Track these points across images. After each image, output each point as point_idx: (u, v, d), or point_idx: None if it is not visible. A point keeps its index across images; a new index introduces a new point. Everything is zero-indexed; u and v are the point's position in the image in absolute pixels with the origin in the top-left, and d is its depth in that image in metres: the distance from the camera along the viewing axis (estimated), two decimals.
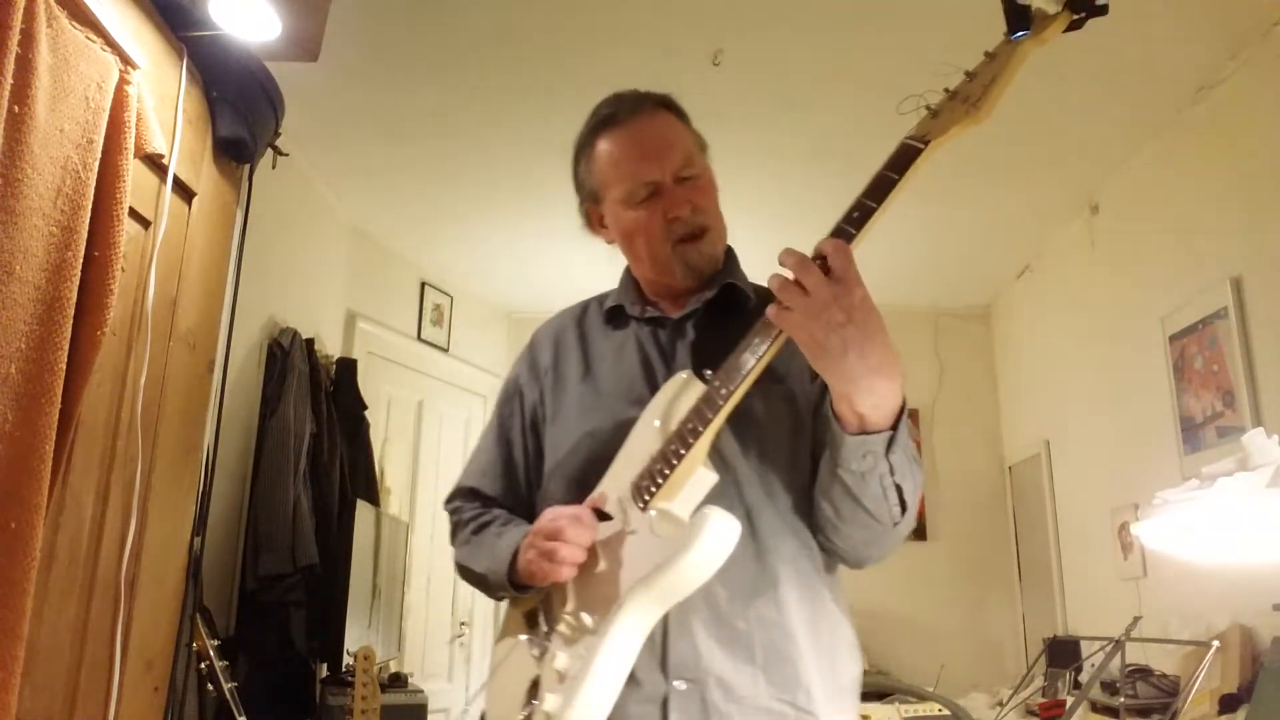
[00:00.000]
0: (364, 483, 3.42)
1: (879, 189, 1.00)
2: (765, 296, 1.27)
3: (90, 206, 1.39)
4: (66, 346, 1.33)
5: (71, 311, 1.34)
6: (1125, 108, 2.95)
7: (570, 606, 1.12)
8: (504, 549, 1.20)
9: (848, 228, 1.00)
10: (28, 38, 1.26)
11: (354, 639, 3.12)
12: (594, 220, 1.37)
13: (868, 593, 4.45)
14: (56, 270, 1.32)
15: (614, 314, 1.35)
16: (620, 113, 1.29)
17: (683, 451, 1.06)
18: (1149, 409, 3.09)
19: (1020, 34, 0.93)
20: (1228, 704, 2.25)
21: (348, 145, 3.34)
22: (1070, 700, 2.77)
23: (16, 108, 1.24)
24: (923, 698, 3.00)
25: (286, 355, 3.09)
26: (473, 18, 2.61)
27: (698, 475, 1.08)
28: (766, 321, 1.01)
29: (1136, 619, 2.30)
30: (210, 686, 2.03)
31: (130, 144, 1.50)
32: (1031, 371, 4.40)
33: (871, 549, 1.18)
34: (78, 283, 1.36)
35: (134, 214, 1.57)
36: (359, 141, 3.32)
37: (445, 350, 4.55)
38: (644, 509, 1.09)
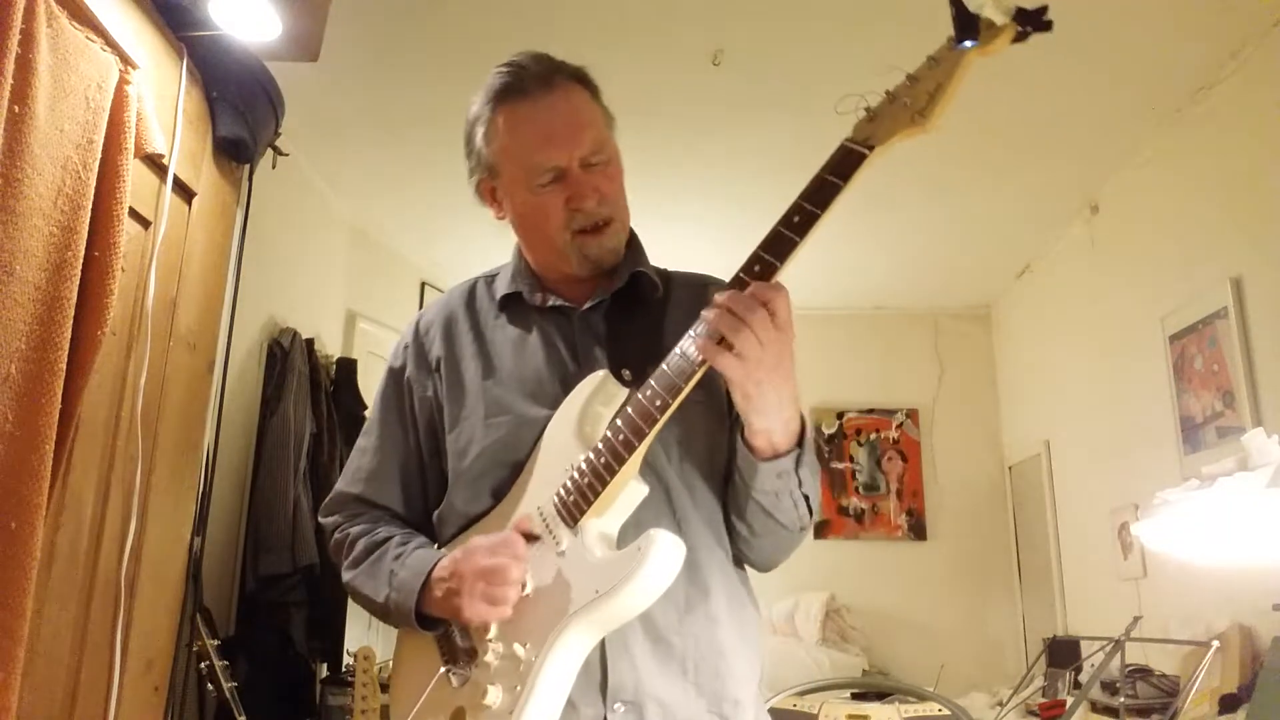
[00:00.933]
0: None
1: (821, 195, 0.95)
2: (669, 281, 1.27)
3: (90, 206, 1.40)
4: (66, 346, 1.33)
5: (71, 311, 1.34)
6: (1125, 108, 2.95)
7: (494, 634, 1.05)
8: (409, 579, 1.10)
9: (789, 234, 0.96)
10: (28, 38, 1.26)
11: (354, 639, 3.12)
12: (485, 194, 1.27)
13: (868, 593, 4.46)
14: (56, 270, 1.32)
15: (509, 301, 1.25)
16: (527, 83, 1.16)
17: (616, 466, 1.00)
18: (1149, 409, 3.08)
19: (967, 43, 0.90)
20: (1228, 704, 2.25)
21: (348, 145, 3.34)
22: (1070, 700, 2.77)
23: (16, 108, 1.24)
24: (923, 698, 3.00)
25: (286, 355, 3.09)
26: (472, 18, 2.61)
27: (630, 487, 1.04)
28: (702, 335, 0.97)
29: (1136, 619, 2.30)
30: (210, 686, 2.03)
31: (130, 144, 1.50)
32: (1031, 371, 4.40)
33: (780, 555, 1.18)
34: (78, 283, 1.36)
35: (134, 214, 1.57)
36: (359, 141, 3.32)
37: None
38: (573, 526, 1.04)
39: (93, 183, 1.41)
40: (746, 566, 1.21)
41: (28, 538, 1.23)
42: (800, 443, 1.06)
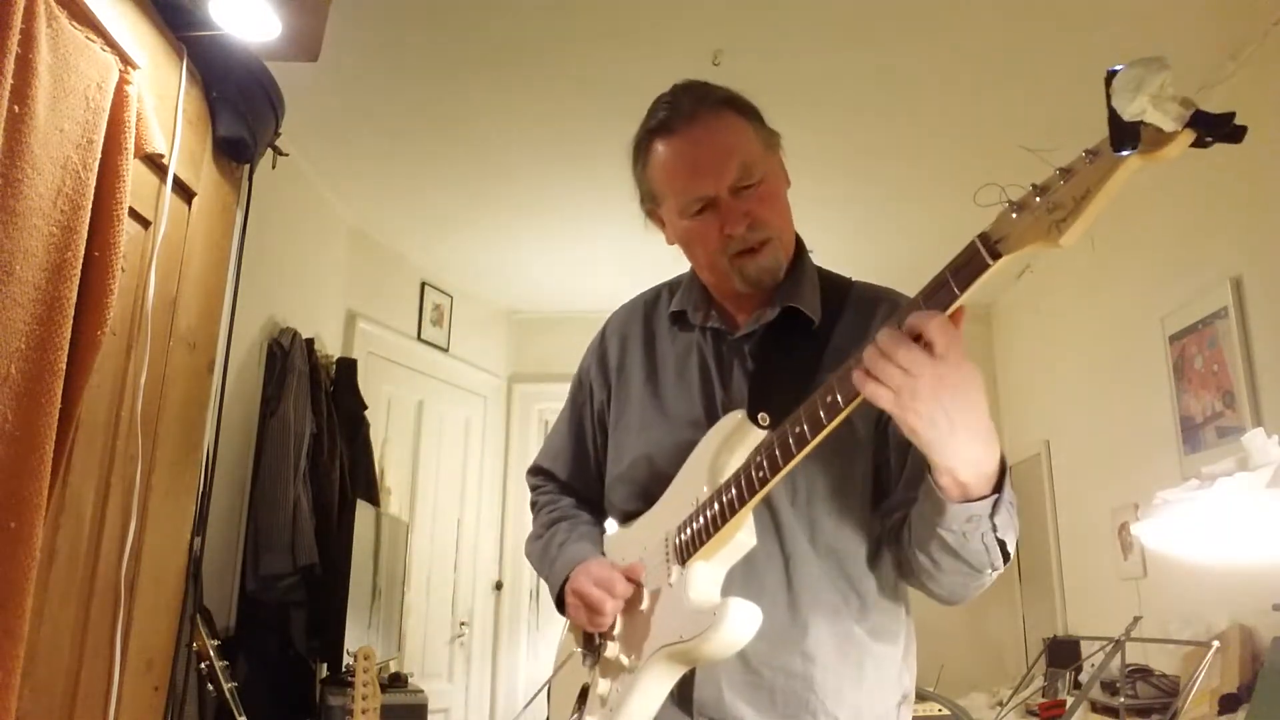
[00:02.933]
0: (364, 483, 3.42)
1: (938, 299, 0.89)
2: (845, 295, 1.27)
3: (90, 206, 1.39)
4: (66, 346, 1.33)
5: (71, 311, 1.34)
6: None
7: (618, 632, 1.21)
8: (560, 570, 1.27)
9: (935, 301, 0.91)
10: (28, 38, 1.26)
11: (354, 639, 3.12)
12: (653, 218, 1.33)
13: None
14: (56, 270, 1.32)
15: (678, 316, 1.33)
16: (676, 117, 1.22)
17: (727, 516, 1.07)
18: (1149, 409, 3.08)
19: (1126, 151, 0.78)
20: (1228, 704, 2.25)
21: (348, 145, 3.34)
22: (1070, 700, 2.77)
23: (16, 108, 1.24)
24: (923, 698, 3.00)
25: (286, 355, 3.09)
26: (472, 18, 2.61)
27: (737, 538, 1.10)
28: (841, 382, 0.94)
29: (1136, 619, 2.30)
30: (210, 686, 2.03)
31: (130, 144, 1.50)
32: (1031, 371, 4.40)
33: (965, 593, 1.13)
34: (78, 283, 1.36)
35: (134, 214, 1.57)
36: (359, 141, 3.32)
37: (445, 350, 4.55)
38: (683, 564, 1.13)
39: (93, 183, 1.40)
40: (899, 603, 1.22)
41: (28, 538, 1.23)
42: (999, 485, 1.00)
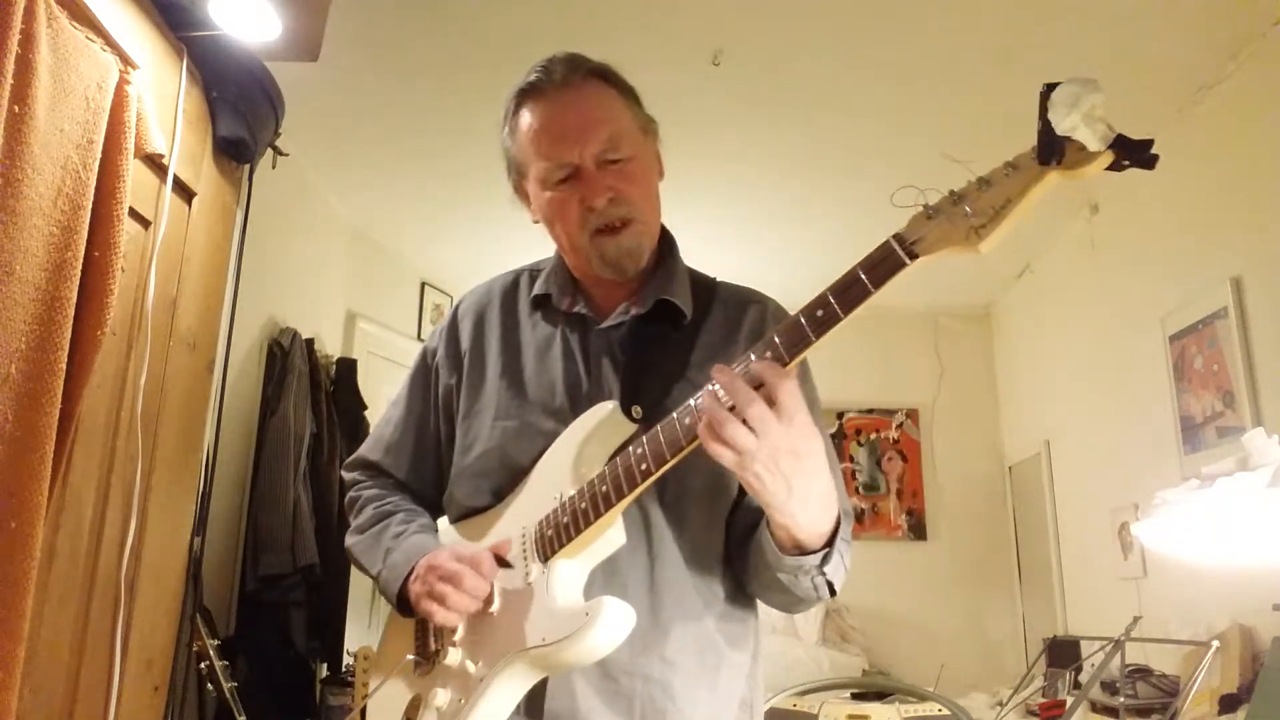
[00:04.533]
0: None
1: (849, 294, 0.88)
2: (712, 294, 1.23)
3: (90, 206, 1.39)
4: (66, 346, 1.33)
5: (71, 311, 1.34)
6: (1124, 107, 2.93)
7: (459, 637, 1.10)
8: (399, 563, 1.14)
9: (808, 329, 0.88)
10: (28, 38, 1.26)
11: (354, 639, 3.12)
12: (520, 194, 1.26)
13: (868, 593, 4.46)
14: (56, 270, 1.32)
15: (541, 301, 1.25)
16: (546, 81, 1.16)
17: (593, 516, 1.00)
18: (1149, 409, 3.08)
19: (1050, 162, 0.81)
20: (1228, 704, 2.25)
21: (348, 145, 3.34)
22: (1070, 700, 2.77)
23: (16, 108, 1.24)
24: (923, 698, 3.00)
25: (286, 355, 3.09)
26: (472, 18, 2.61)
27: (607, 535, 1.04)
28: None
29: (1136, 619, 2.30)
30: (210, 686, 2.03)
31: (130, 144, 1.50)
32: (1031, 371, 4.40)
33: (790, 611, 1.14)
34: (78, 283, 1.36)
35: (134, 214, 1.57)
36: (359, 141, 3.32)
37: None
38: (544, 562, 1.05)
39: (93, 183, 1.40)
40: (751, 609, 1.18)
41: (28, 538, 1.23)
42: (831, 541, 1.00)
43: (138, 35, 1.57)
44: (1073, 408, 3.84)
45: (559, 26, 2.64)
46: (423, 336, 4.41)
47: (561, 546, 1.03)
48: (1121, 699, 2.34)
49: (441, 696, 1.07)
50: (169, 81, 1.70)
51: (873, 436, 4.83)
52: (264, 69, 1.91)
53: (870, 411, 4.84)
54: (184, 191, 1.76)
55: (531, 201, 1.23)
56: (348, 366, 3.54)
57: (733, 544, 1.13)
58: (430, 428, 1.28)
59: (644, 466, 0.97)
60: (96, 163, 1.42)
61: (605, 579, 1.06)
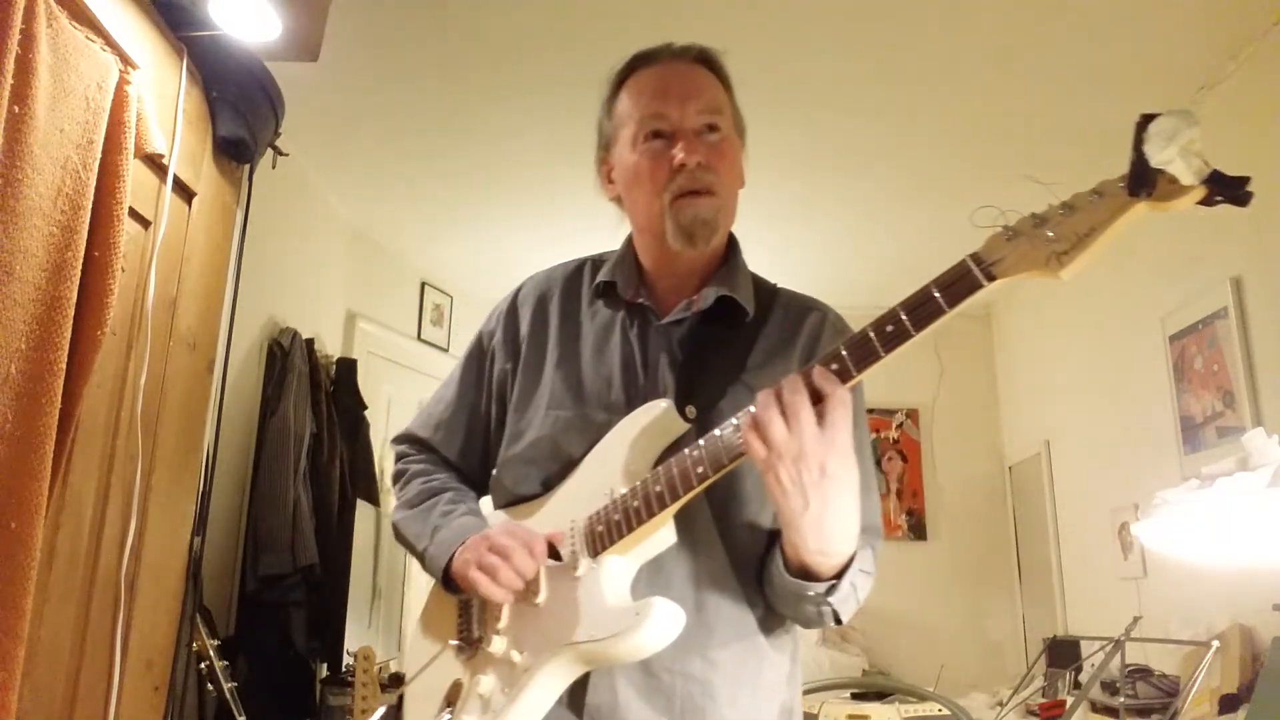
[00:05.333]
0: (364, 483, 3.42)
1: (922, 312, 0.87)
2: (774, 299, 1.22)
3: (90, 206, 1.40)
4: (66, 346, 1.33)
5: (71, 311, 1.34)
6: (1125, 107, 2.94)
7: (504, 625, 1.09)
8: (447, 540, 1.14)
9: (877, 344, 0.88)
10: (28, 38, 1.26)
11: (354, 639, 3.12)
12: (603, 175, 1.25)
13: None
14: (56, 270, 1.32)
15: (607, 289, 1.23)
16: (661, 53, 1.20)
17: (645, 516, 1.00)
18: (1149, 409, 3.08)
19: (1141, 194, 0.80)
20: (1228, 704, 2.25)
21: (348, 145, 3.34)
22: (1070, 700, 2.77)
23: (16, 108, 1.24)
24: (923, 698, 3.00)
25: (286, 355, 3.09)
26: (473, 18, 2.61)
27: (659, 535, 1.04)
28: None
29: (1136, 619, 2.30)
30: (210, 686, 2.03)
31: (130, 144, 1.50)
32: (1031, 371, 4.40)
33: (811, 627, 1.13)
34: (78, 283, 1.36)
35: (134, 214, 1.57)
36: (359, 141, 3.32)
37: (445, 350, 4.55)
38: (594, 557, 1.04)
39: (93, 183, 1.41)
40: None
41: (28, 538, 1.23)
42: (841, 574, 0.99)
43: (138, 35, 1.57)
44: (1073, 408, 3.84)
45: (559, 27, 2.64)
46: (423, 336, 4.41)
47: (613, 543, 1.02)
48: (1121, 699, 2.34)
49: (485, 684, 1.07)
50: (169, 81, 1.70)
51: (873, 436, 4.83)
52: (264, 69, 1.91)
53: (870, 411, 4.81)
54: (184, 191, 1.76)
55: (615, 169, 1.22)
56: (348, 366, 3.55)
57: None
58: (481, 410, 1.27)
59: (700, 470, 0.96)
60: (96, 163, 1.42)
61: (650, 575, 1.06)
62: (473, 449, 1.28)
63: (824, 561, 0.97)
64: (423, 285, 4.44)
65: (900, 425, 4.83)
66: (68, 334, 1.33)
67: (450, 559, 1.12)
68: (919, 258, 4.33)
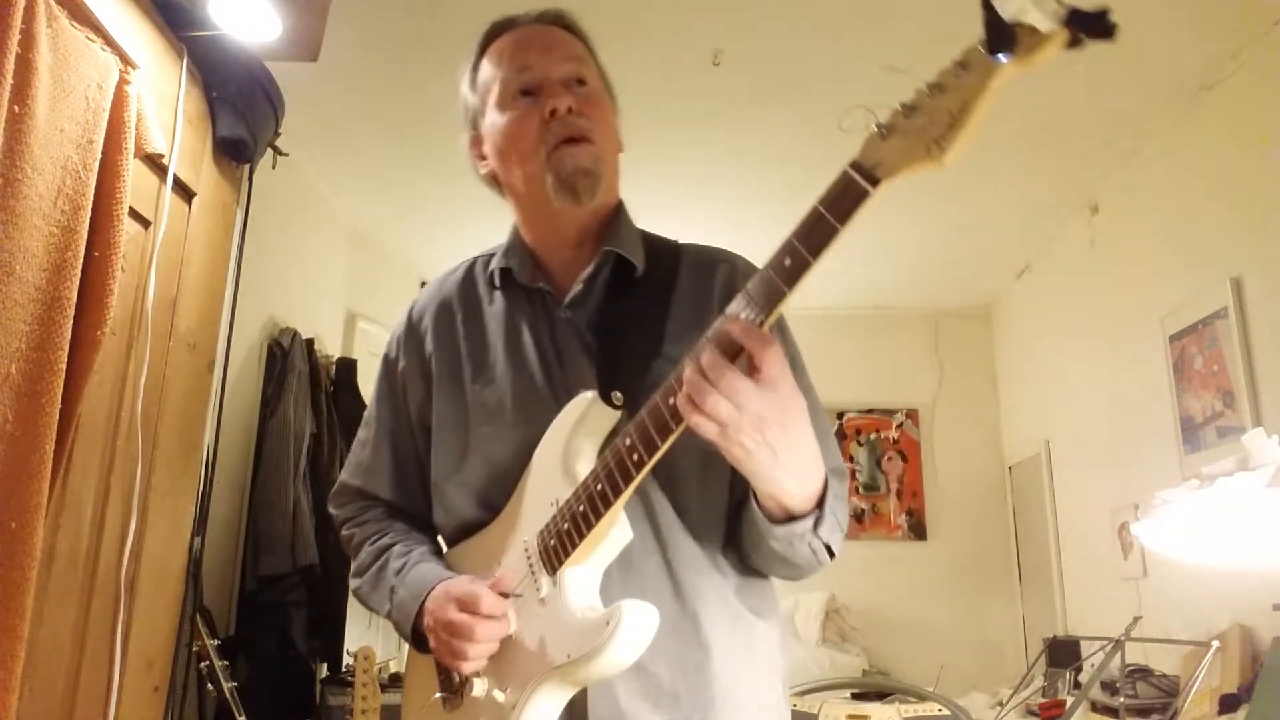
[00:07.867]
0: None
1: (816, 236, 0.82)
2: (678, 258, 1.16)
3: (90, 206, 1.39)
4: (66, 346, 1.33)
5: (71, 311, 1.34)
6: (1125, 107, 2.95)
7: (482, 672, 1.05)
8: (407, 602, 1.09)
9: (779, 281, 0.83)
10: (28, 38, 1.26)
11: (354, 639, 3.12)
12: (473, 152, 1.21)
13: (868, 593, 4.46)
14: (56, 270, 1.32)
15: (503, 278, 1.18)
16: (518, 21, 1.19)
17: (593, 519, 0.95)
18: (1149, 409, 3.08)
19: (1002, 55, 0.74)
20: (1228, 704, 2.25)
21: (348, 145, 3.34)
22: (1070, 700, 2.77)
23: (16, 108, 1.24)
24: (923, 698, 3.00)
25: (286, 355, 3.09)
26: (473, 18, 2.60)
27: (612, 535, 0.98)
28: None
29: (1136, 619, 2.30)
30: (210, 686, 2.03)
31: (130, 144, 1.50)
32: (1031, 371, 4.40)
33: (794, 579, 1.10)
34: (78, 283, 1.36)
35: (134, 214, 1.57)
36: (359, 141, 3.32)
37: None
38: (553, 575, 0.99)
39: (93, 183, 1.40)
40: (766, 576, 1.13)
41: (28, 538, 1.23)
42: (821, 503, 0.97)
43: (138, 35, 1.57)
44: (1073, 408, 3.85)
45: None
46: None
47: (567, 555, 0.98)
48: (1121, 699, 2.34)
49: None
50: (169, 81, 1.70)
51: (873, 436, 4.83)
52: (264, 69, 1.91)
53: (870, 411, 4.84)
54: (184, 191, 1.76)
55: (485, 141, 1.18)
56: (348, 366, 3.55)
57: (732, 519, 1.10)
58: (406, 441, 1.22)
59: (635, 456, 0.91)
60: (96, 163, 1.42)
61: (622, 575, 1.02)
62: (408, 483, 1.23)
63: (803, 495, 0.95)
64: (422, 285, 4.42)
65: (900, 425, 4.83)
66: (68, 334, 1.33)
67: (415, 623, 1.08)
68: (915, 258, 4.33)
